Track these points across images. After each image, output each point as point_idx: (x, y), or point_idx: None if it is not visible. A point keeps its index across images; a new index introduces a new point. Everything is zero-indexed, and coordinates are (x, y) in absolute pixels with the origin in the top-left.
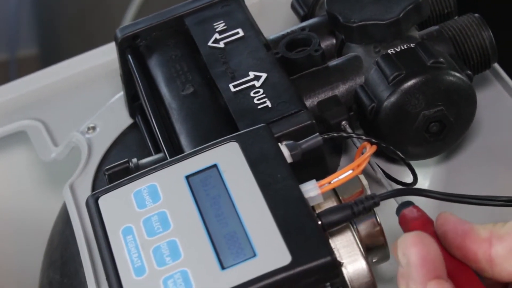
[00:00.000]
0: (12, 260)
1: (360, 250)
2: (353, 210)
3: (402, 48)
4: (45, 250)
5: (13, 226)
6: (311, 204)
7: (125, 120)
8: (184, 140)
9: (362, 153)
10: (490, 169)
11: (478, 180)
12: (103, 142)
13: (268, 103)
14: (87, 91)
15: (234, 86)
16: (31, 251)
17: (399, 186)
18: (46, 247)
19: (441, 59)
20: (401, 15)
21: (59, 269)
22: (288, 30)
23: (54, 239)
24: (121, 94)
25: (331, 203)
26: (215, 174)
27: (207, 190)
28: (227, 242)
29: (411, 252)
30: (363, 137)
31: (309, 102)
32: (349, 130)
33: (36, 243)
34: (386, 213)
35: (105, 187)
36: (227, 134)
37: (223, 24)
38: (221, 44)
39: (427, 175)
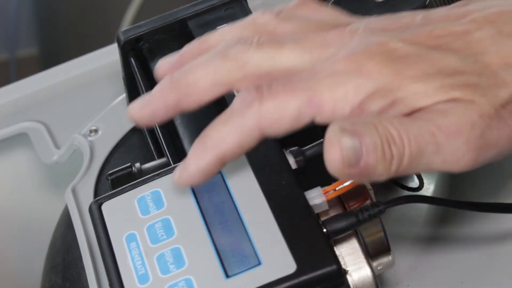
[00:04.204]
0: (13, 263)
1: (365, 257)
2: (358, 217)
3: None
4: (47, 254)
5: (14, 228)
6: (316, 211)
7: (128, 123)
8: (187, 145)
9: None
10: (495, 174)
11: (482, 185)
12: (105, 145)
13: None
14: (89, 93)
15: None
16: (32, 254)
17: (406, 192)
18: (48, 250)
19: None
20: None
21: (61, 272)
22: None
23: (56, 243)
24: (123, 96)
25: (336, 211)
26: (219, 180)
27: (211, 196)
28: (232, 249)
29: None
30: None
31: None
32: None
33: (38, 246)
34: (391, 220)
35: (108, 193)
36: None
37: None
38: None
39: (432, 179)
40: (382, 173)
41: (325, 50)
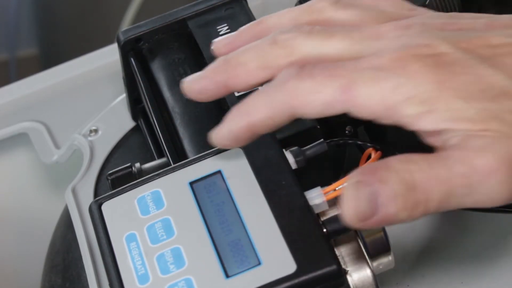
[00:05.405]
0: (14, 263)
1: (365, 257)
2: None
3: None
4: (47, 254)
5: (14, 228)
6: (316, 211)
7: (128, 123)
8: (187, 145)
9: (367, 160)
10: None
11: None
12: (105, 145)
13: None
14: (89, 92)
15: None
16: (32, 254)
17: None
18: (48, 250)
19: None
20: None
21: (61, 273)
22: None
23: (56, 243)
24: (123, 96)
25: (336, 211)
26: (220, 180)
27: (211, 196)
28: (232, 249)
29: None
30: (368, 144)
31: None
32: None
33: (38, 246)
34: None
35: (108, 193)
36: None
37: (227, 27)
38: None
39: None
40: (405, 219)
41: (375, 42)
